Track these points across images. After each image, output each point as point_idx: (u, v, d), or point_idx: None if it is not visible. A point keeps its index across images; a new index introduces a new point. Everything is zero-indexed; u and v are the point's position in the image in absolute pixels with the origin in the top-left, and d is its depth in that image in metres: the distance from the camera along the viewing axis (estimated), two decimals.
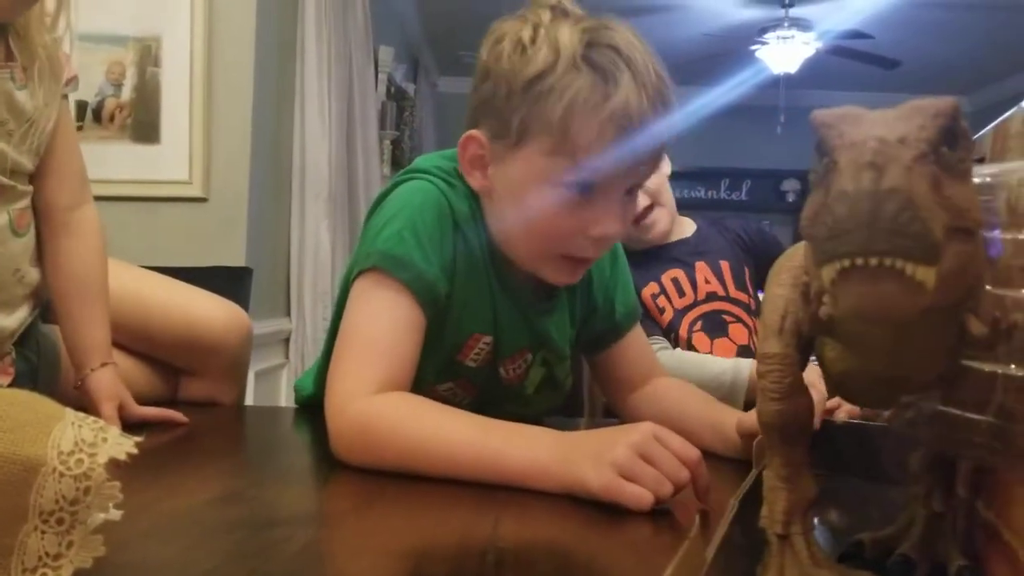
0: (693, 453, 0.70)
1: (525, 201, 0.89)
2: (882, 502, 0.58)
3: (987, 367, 0.41)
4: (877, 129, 0.35)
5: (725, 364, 1.32)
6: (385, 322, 0.87)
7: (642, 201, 1.44)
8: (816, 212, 0.36)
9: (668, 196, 1.52)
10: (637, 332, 1.11)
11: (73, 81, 1.16)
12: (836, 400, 0.88)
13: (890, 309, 0.33)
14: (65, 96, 1.13)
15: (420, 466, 0.77)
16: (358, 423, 0.81)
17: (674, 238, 1.55)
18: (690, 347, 1.43)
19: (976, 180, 0.41)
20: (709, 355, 1.40)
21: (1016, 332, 0.41)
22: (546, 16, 0.88)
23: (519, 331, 1.00)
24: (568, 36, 0.85)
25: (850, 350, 0.48)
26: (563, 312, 1.04)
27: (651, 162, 0.90)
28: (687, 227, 1.58)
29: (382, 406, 0.81)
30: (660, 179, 1.49)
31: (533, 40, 0.86)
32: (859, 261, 0.32)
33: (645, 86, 0.84)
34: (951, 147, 0.36)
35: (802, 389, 0.49)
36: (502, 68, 0.88)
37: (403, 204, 0.93)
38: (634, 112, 0.83)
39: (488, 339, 0.99)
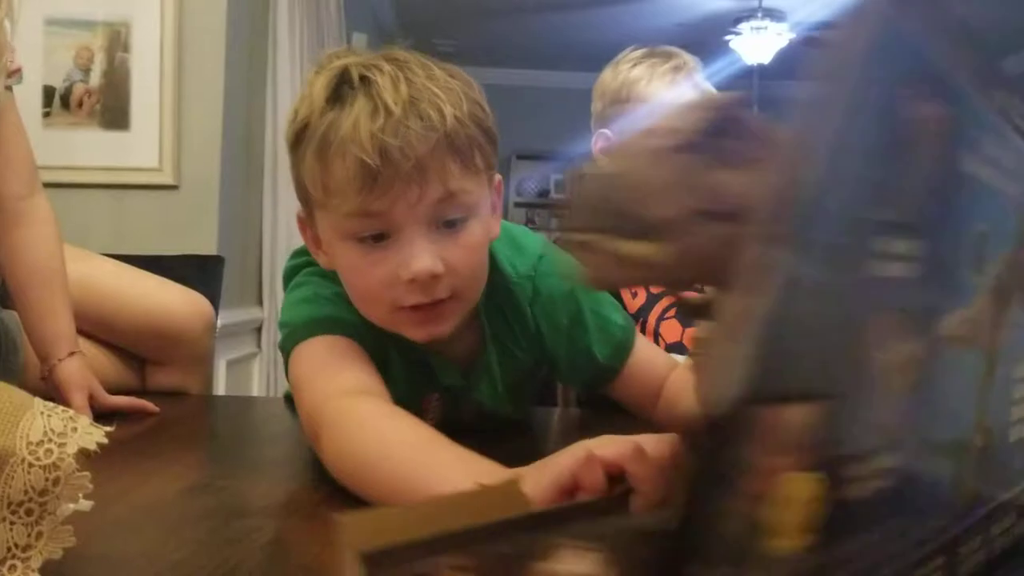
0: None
1: (340, 266, 0.81)
2: None
3: None
4: (656, 120, 0.38)
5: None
6: (324, 350, 0.81)
7: None
8: None
9: None
10: (636, 353, 0.99)
11: (17, 74, 1.13)
12: None
13: (609, 278, 0.37)
14: (9, 88, 1.11)
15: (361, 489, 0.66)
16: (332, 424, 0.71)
17: None
18: (656, 335, 1.43)
19: None
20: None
21: None
22: (313, 73, 0.79)
23: (453, 399, 0.92)
24: (321, 83, 0.76)
25: None
26: (490, 377, 0.93)
27: (425, 182, 0.73)
28: None
29: (358, 410, 0.72)
30: None
31: (299, 103, 0.78)
32: (568, 236, 0.36)
33: (385, 105, 0.72)
34: (734, 137, 0.38)
35: None
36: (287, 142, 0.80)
37: (300, 286, 0.88)
38: (364, 137, 0.71)
39: (437, 395, 0.92)
